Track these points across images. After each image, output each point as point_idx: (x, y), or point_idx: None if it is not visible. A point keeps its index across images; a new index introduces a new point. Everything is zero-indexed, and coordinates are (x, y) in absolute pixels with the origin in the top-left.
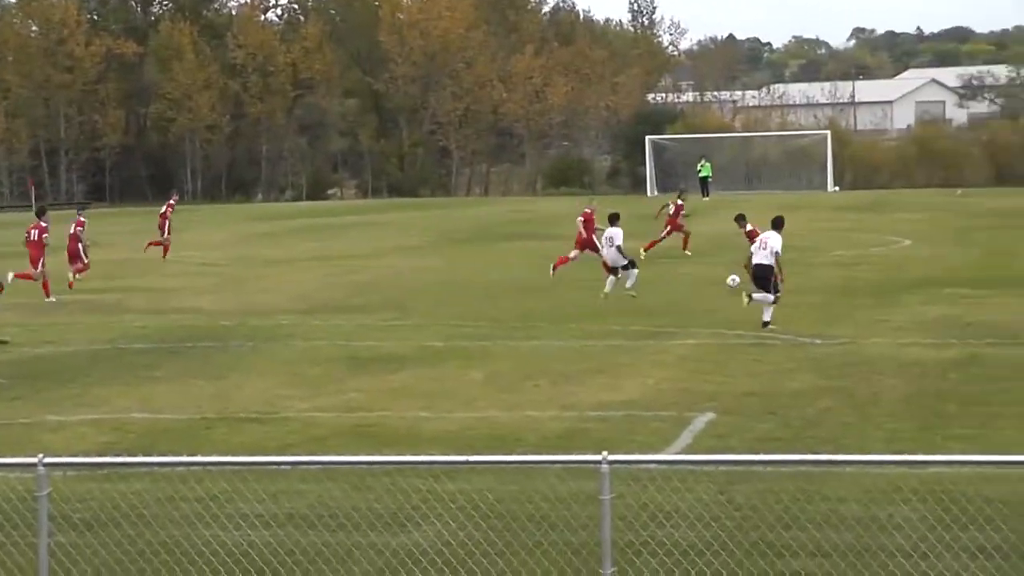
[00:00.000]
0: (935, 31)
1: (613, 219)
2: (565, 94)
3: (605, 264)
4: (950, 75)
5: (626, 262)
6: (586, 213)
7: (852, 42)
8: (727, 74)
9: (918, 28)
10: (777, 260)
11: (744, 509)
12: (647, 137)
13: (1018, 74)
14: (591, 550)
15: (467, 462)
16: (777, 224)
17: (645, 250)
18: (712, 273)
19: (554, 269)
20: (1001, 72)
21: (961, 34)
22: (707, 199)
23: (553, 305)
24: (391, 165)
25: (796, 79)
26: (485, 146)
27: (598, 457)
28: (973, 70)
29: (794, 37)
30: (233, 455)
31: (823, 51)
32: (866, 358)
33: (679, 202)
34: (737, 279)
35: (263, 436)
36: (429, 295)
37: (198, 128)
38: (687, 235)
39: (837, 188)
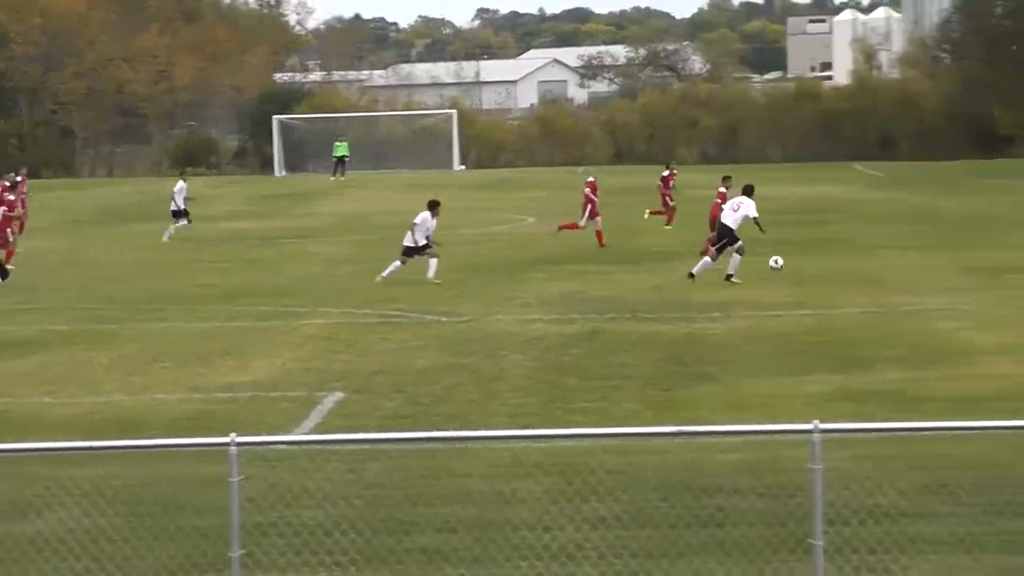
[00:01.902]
0: (556, 12)
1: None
2: (192, 73)
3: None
4: (571, 55)
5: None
6: (590, 182)
7: (477, 22)
8: (354, 54)
9: (540, 9)
10: (757, 221)
11: (374, 487)
12: (274, 117)
13: (636, 54)
14: (220, 533)
15: (92, 448)
16: (749, 191)
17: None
18: (340, 252)
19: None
20: (619, 52)
21: (581, 15)
22: (343, 178)
23: (181, 287)
24: (11, 145)
25: (422, 59)
26: (110, 126)
27: (226, 439)
28: (593, 50)
29: (420, 17)
30: None
31: (448, 31)
32: (492, 334)
33: (665, 172)
34: (780, 260)
35: None
36: (54, 278)
37: None
38: (672, 209)
39: (463, 167)
